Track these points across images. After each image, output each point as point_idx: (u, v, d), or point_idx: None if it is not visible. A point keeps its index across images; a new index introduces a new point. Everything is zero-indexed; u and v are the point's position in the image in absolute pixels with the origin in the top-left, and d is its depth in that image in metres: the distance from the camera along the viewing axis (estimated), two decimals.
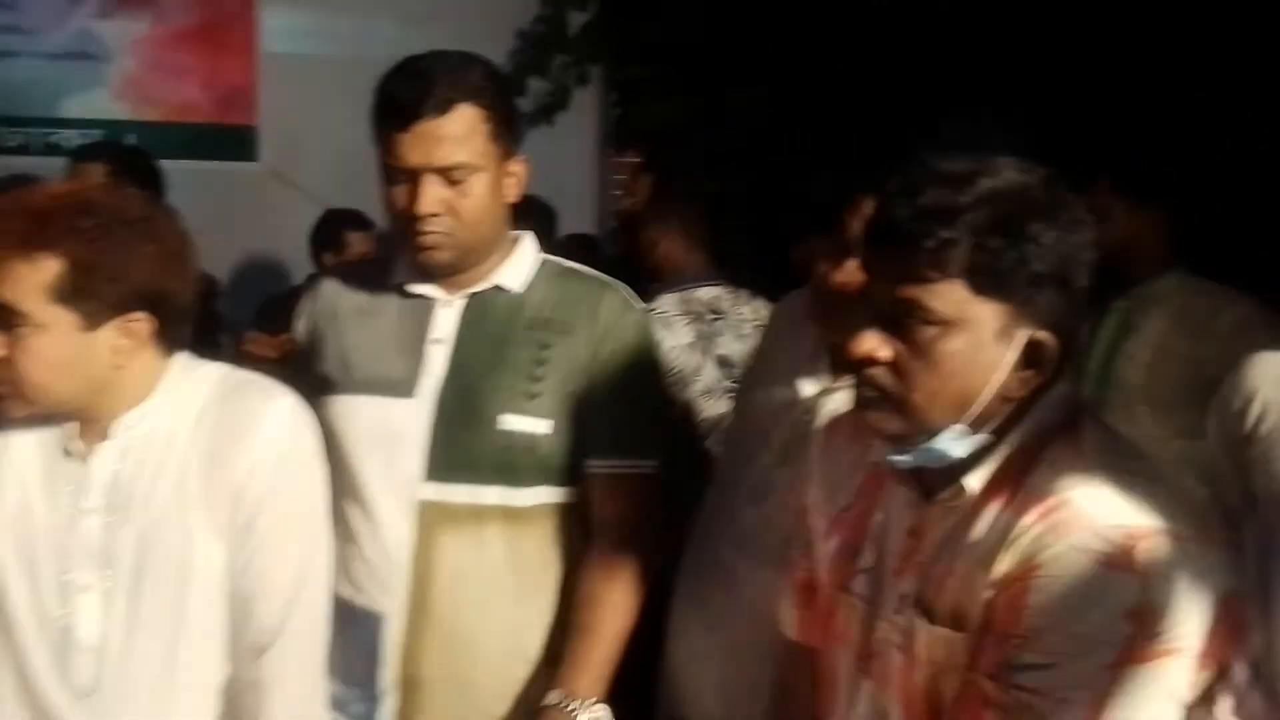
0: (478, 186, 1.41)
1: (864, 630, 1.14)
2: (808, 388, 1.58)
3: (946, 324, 0.99)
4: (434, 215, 1.39)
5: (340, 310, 1.56)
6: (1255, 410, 1.14)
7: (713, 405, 2.43)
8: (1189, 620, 0.93)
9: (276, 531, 1.29)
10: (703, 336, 2.49)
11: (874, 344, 1.02)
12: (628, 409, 1.49)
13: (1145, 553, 0.93)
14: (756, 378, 1.82)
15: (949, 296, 0.98)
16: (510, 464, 1.45)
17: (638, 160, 3.90)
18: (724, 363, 2.47)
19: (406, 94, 1.38)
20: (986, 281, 0.98)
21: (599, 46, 3.90)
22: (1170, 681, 0.94)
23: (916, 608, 1.07)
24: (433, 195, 1.39)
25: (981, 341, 0.99)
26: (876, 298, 1.04)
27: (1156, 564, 0.93)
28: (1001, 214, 0.98)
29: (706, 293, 2.55)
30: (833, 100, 3.67)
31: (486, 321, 1.49)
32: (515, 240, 1.55)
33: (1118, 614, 0.93)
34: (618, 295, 1.53)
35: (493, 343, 1.48)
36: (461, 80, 1.39)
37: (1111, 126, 3.60)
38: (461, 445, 1.45)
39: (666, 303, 2.52)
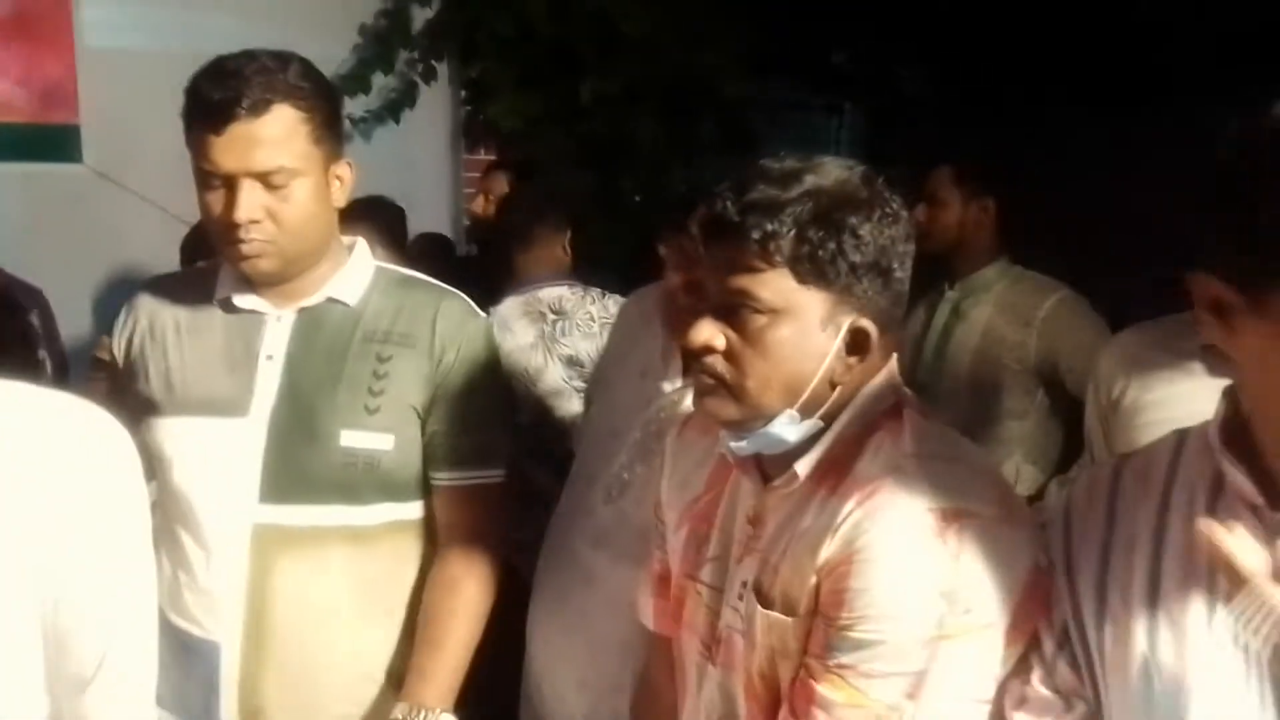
0: (299, 191, 1.35)
1: (710, 618, 1.17)
2: (663, 384, 1.58)
3: (775, 312, 1.04)
4: (253, 222, 1.33)
5: (162, 327, 1.47)
6: (1118, 386, 1.33)
7: (562, 404, 2.42)
8: (999, 596, 0.98)
9: (95, 561, 1.20)
10: (544, 337, 2.47)
11: (710, 333, 1.07)
12: (472, 420, 1.46)
13: (956, 534, 0.98)
14: (610, 375, 1.81)
15: (776, 285, 1.04)
16: (351, 482, 1.40)
17: (490, 159, 3.86)
18: (572, 362, 2.45)
19: (218, 95, 1.31)
20: (810, 271, 1.03)
21: (445, 42, 3.80)
22: (984, 655, 0.99)
23: (755, 594, 1.10)
24: (251, 201, 1.32)
25: (808, 328, 1.05)
26: (711, 290, 1.09)
27: (967, 544, 0.98)
28: (822, 208, 1.03)
29: (550, 293, 2.54)
30: (686, 95, 3.70)
31: (320, 336, 1.43)
32: (349, 247, 1.49)
33: (932, 593, 0.98)
34: (457, 304, 1.50)
35: (328, 357, 1.42)
36: (277, 80, 1.33)
37: (952, 119, 3.77)
38: (299, 465, 1.39)
39: (506, 306, 2.50)
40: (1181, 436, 0.95)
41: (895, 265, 1.07)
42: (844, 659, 1.00)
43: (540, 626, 1.70)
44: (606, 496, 1.59)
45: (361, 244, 1.52)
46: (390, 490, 1.43)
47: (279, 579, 1.39)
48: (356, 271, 1.47)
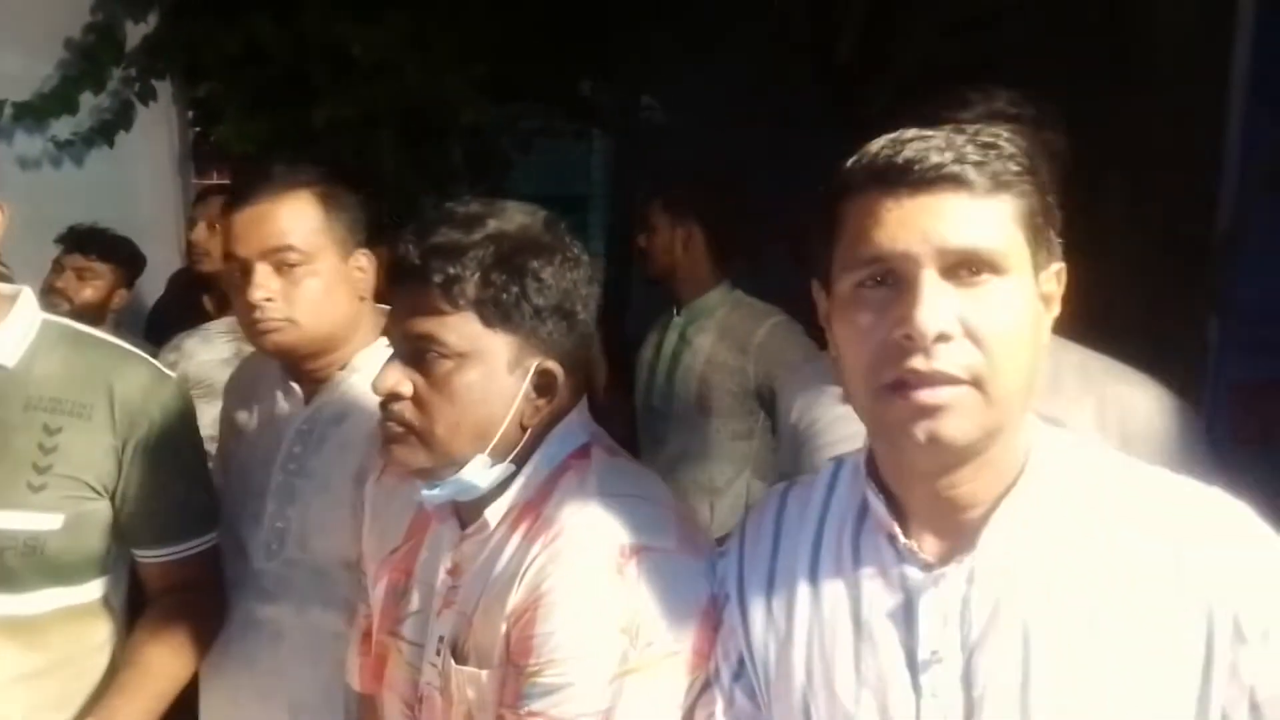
0: None
1: (412, 675, 1.14)
2: (290, 423, 1.50)
3: (462, 356, 1.04)
4: None
5: None
6: (794, 412, 1.41)
7: None
8: (678, 625, 1.00)
9: None
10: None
11: (396, 379, 1.05)
12: (178, 492, 1.37)
13: (635, 568, 1.01)
14: (236, 439, 1.62)
15: (461, 329, 1.03)
16: (8, 568, 1.26)
17: (223, 183, 3.64)
18: None
19: None
20: (494, 314, 1.04)
21: (165, 60, 3.55)
22: (667, 685, 1.01)
23: (450, 650, 1.08)
24: None
25: (495, 372, 1.05)
26: (396, 335, 1.07)
27: (645, 577, 1.00)
28: (505, 252, 1.04)
29: None
30: (428, 121, 3.64)
31: None
32: (11, 298, 1.34)
33: (615, 630, 0.99)
34: (144, 368, 1.38)
35: None
36: None
37: (692, 148, 3.90)
38: None
39: (215, 323, 2.41)
40: (838, 464, 1.00)
41: (578, 308, 1.09)
42: (535, 706, 1.00)
43: (227, 704, 1.55)
44: (267, 554, 1.49)
45: (25, 295, 1.36)
46: (58, 574, 1.30)
47: None
48: (15, 328, 1.32)
